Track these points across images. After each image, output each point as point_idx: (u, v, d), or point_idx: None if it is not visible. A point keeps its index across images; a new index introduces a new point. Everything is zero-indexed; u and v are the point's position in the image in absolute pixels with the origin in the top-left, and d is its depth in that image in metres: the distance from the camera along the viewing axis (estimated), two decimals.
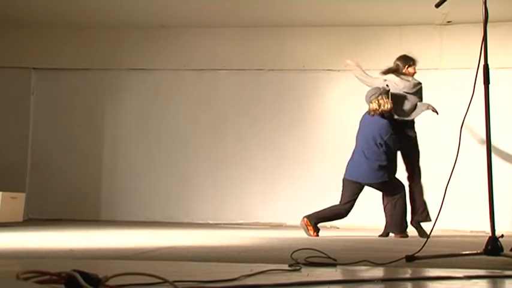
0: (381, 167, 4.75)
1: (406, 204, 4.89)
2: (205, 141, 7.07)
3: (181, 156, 7.10)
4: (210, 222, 6.77)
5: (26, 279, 1.38)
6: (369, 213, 6.82)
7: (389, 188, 4.87)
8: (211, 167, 7.03)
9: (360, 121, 5.01)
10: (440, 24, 6.89)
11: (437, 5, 2.75)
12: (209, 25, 7.12)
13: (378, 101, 4.79)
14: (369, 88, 4.99)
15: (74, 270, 1.32)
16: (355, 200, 4.85)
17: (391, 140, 4.80)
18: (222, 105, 7.14)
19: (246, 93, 7.15)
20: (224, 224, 6.62)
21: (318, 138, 6.93)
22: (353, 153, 4.96)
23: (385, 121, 4.81)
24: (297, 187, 6.68)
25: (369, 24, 6.94)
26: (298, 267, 2.02)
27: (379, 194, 6.67)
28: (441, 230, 5.97)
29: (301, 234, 4.83)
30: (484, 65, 2.45)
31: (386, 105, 4.78)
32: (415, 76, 5.16)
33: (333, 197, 7.06)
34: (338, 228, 6.49)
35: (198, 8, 6.65)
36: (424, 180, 6.73)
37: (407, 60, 5.14)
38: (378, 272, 2.02)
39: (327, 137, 6.86)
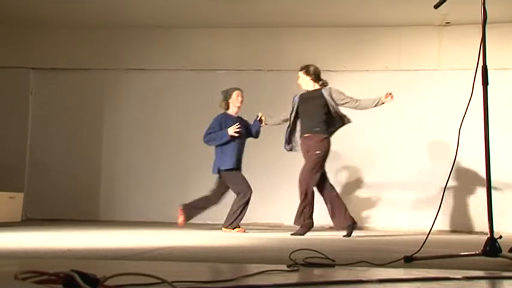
0: None
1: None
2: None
3: (180, 156, 7.10)
4: (209, 222, 6.76)
5: (24, 279, 1.38)
6: (369, 214, 6.83)
7: None
8: (209, 167, 7.02)
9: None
10: (439, 25, 6.90)
11: (436, 6, 2.76)
12: (208, 25, 7.12)
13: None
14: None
15: (72, 270, 1.32)
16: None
17: None
18: None
19: (244, 94, 7.13)
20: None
21: None
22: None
23: None
24: (295, 187, 6.66)
25: (368, 25, 6.95)
26: (296, 268, 2.02)
27: (379, 193, 6.68)
28: (439, 231, 5.98)
29: None
30: (482, 66, 2.46)
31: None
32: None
33: None
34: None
35: (197, 9, 6.65)
36: (423, 180, 6.74)
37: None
38: (376, 273, 2.02)
39: None
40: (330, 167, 6.89)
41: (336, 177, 6.85)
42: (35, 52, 7.30)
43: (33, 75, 7.31)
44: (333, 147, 6.87)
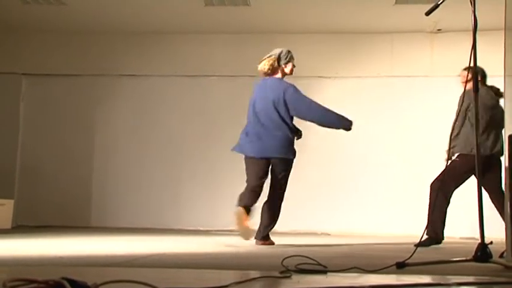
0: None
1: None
2: (197, 148, 7.06)
3: (173, 162, 7.08)
4: (201, 228, 6.75)
5: (13, 287, 1.37)
6: (362, 220, 6.84)
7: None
8: (202, 173, 7.02)
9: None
10: (431, 32, 6.95)
11: (428, 13, 2.78)
12: (201, 31, 7.13)
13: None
14: None
15: (63, 278, 1.31)
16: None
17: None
18: (214, 112, 7.14)
19: (238, 100, 7.13)
20: (215, 230, 6.60)
21: (309, 144, 6.93)
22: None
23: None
24: (288, 193, 6.67)
25: (360, 31, 6.98)
26: (288, 275, 2.01)
27: (372, 199, 6.66)
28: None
29: (292, 241, 4.83)
30: (473, 73, 2.47)
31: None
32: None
33: (326, 202, 7.06)
34: (329, 234, 6.49)
35: (190, 14, 6.66)
36: (416, 187, 6.76)
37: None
38: (369, 279, 2.02)
39: (319, 143, 6.87)
40: (322, 173, 6.93)
41: (329, 183, 6.87)
42: (26, 58, 7.27)
43: (25, 81, 7.27)
44: (326, 150, 6.91)
